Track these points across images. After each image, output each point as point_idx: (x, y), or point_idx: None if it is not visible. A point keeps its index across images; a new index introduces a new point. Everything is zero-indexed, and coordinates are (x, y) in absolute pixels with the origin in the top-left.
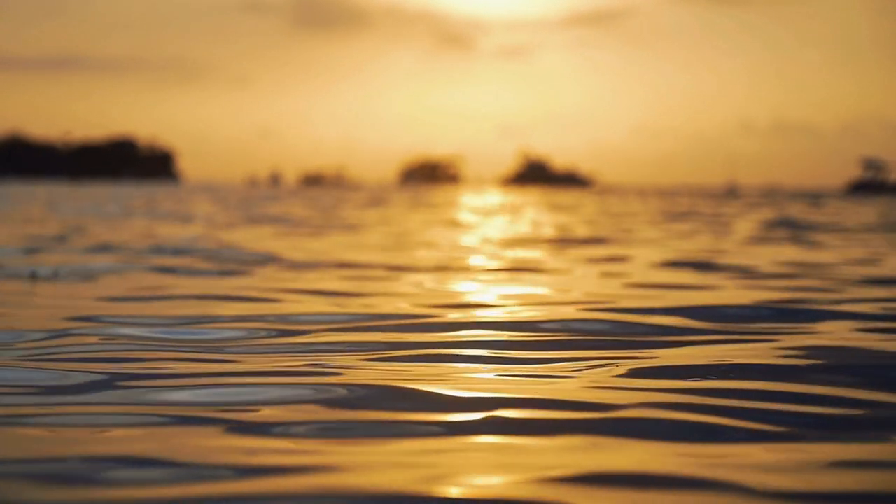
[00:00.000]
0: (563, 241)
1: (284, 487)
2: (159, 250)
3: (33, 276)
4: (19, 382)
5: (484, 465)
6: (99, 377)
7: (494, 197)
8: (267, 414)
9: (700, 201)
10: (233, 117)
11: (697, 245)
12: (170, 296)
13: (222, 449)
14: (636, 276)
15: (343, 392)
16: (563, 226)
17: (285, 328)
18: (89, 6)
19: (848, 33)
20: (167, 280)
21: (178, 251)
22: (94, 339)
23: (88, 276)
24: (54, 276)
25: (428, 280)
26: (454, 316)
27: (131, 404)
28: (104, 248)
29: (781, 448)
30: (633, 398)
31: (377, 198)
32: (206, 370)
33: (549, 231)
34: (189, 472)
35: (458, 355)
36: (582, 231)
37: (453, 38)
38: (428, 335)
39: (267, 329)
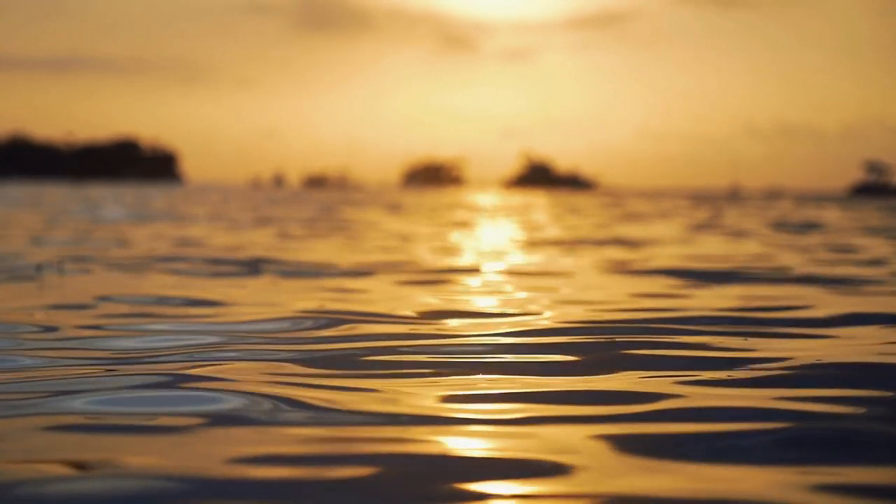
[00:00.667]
0: (582, 243)
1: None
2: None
3: (39, 270)
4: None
5: (520, 454)
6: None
7: (501, 198)
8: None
9: (707, 203)
10: (236, 118)
11: (715, 247)
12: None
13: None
14: (654, 277)
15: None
16: (581, 227)
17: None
18: (91, 6)
19: (851, 36)
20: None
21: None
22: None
23: (92, 271)
24: (59, 271)
25: (462, 280)
26: (483, 316)
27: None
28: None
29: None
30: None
31: (386, 200)
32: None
33: (571, 233)
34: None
35: (488, 348)
36: (598, 233)
37: (456, 39)
38: (457, 327)
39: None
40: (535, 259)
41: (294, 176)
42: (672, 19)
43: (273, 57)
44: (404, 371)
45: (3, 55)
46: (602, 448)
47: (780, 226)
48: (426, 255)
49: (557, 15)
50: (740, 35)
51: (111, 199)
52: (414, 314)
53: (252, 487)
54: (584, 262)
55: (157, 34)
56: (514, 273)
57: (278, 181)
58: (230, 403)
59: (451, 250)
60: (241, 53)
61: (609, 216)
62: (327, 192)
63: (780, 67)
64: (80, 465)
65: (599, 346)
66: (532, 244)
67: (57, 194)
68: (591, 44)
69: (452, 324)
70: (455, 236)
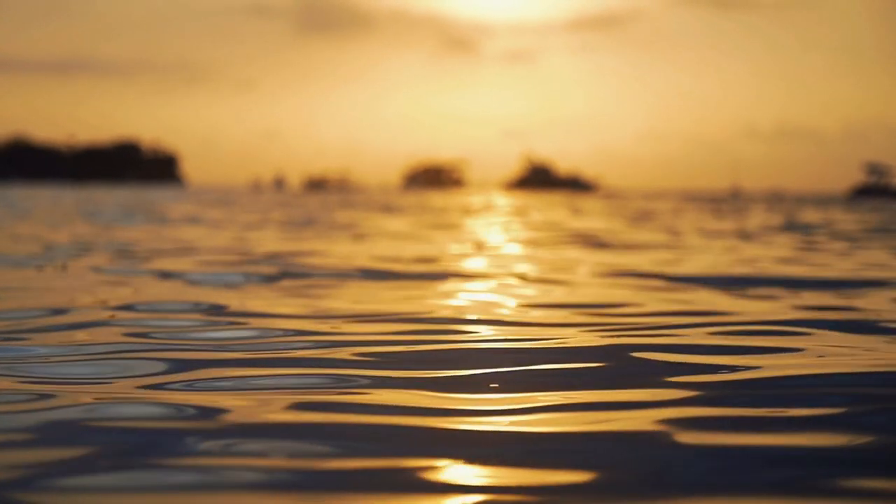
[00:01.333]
0: (593, 244)
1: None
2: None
3: (40, 268)
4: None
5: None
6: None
7: (504, 199)
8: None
9: (706, 206)
10: (237, 120)
11: (732, 254)
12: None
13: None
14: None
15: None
16: (590, 229)
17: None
18: (92, 8)
19: (851, 38)
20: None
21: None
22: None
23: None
24: (62, 270)
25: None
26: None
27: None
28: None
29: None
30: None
31: (393, 203)
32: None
33: (581, 235)
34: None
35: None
36: (608, 236)
37: (458, 42)
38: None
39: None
40: (554, 261)
41: (295, 178)
42: (673, 21)
43: (274, 59)
44: (425, 371)
45: (4, 57)
46: (618, 447)
47: (791, 227)
48: (454, 257)
49: (558, 17)
50: (741, 37)
51: (136, 203)
52: (449, 317)
53: (273, 481)
54: (596, 264)
55: (158, 36)
56: (532, 275)
57: (279, 183)
58: (242, 400)
59: (472, 252)
60: (242, 55)
61: (615, 218)
62: (332, 195)
63: (781, 69)
64: (118, 456)
65: (620, 350)
66: (547, 245)
67: (71, 197)
68: (592, 46)
69: (475, 327)
70: (473, 238)
